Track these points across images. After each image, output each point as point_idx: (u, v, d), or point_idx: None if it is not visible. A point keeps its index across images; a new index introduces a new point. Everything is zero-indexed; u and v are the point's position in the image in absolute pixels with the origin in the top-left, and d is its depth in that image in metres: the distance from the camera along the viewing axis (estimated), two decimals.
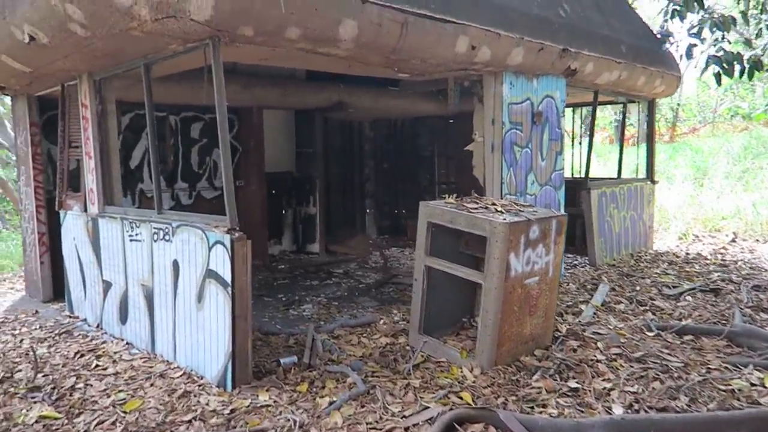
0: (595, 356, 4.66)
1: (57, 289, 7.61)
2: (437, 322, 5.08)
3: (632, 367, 4.46)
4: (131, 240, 5.57)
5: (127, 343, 5.74)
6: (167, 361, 5.16)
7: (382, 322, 5.86)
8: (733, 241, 10.22)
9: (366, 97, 10.42)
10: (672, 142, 26.22)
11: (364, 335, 5.50)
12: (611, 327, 5.36)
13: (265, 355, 5.27)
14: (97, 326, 6.32)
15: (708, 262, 8.56)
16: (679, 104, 28.28)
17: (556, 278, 4.82)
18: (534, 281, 4.56)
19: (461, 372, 4.42)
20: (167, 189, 9.40)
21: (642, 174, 10.07)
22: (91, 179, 6.17)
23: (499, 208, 4.52)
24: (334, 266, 9.73)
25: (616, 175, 9.64)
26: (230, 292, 4.35)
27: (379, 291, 7.90)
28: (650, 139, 9.98)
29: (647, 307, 6.10)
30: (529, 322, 4.63)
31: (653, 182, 9.99)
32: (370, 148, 12.76)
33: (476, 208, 4.52)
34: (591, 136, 8.76)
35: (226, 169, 4.48)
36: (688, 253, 9.30)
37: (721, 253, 9.22)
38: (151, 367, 5.07)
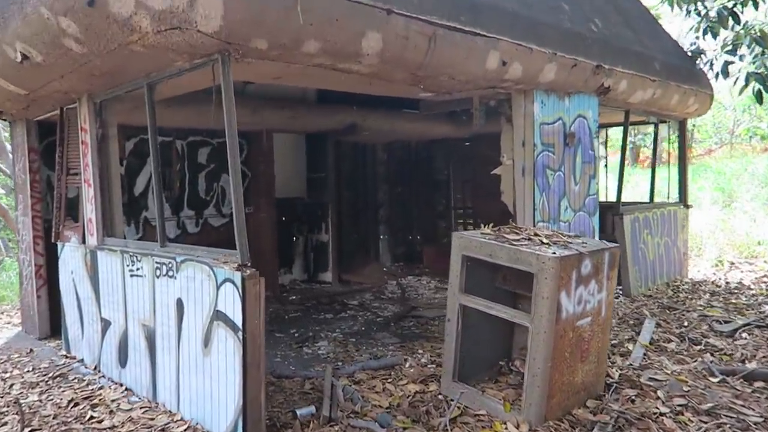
0: (658, 408, 4.07)
1: (54, 325, 7.10)
2: (472, 366, 4.52)
3: (703, 422, 3.87)
4: (132, 275, 5.07)
5: (126, 389, 5.20)
6: (170, 411, 4.62)
7: (408, 364, 5.30)
8: None
9: (381, 120, 9.98)
10: (689, 163, 25.68)
11: (389, 380, 4.93)
12: (669, 371, 4.77)
13: (278, 404, 4.71)
14: (95, 368, 5.79)
15: (753, 292, 7.95)
16: (694, 125, 27.79)
17: (609, 318, 4.26)
18: (586, 323, 4.01)
19: (506, 428, 3.85)
20: (173, 217, 8.94)
21: (674, 198, 9.51)
22: (90, 208, 5.70)
23: (545, 240, 3.99)
24: (348, 297, 9.18)
25: (647, 200, 9.09)
26: (241, 338, 3.82)
27: (398, 325, 7.34)
28: (683, 161, 9.46)
29: (702, 346, 5.51)
30: (581, 369, 4.07)
31: (686, 206, 9.44)
32: (384, 171, 12.30)
33: (518, 240, 3.99)
34: (623, 158, 8.25)
35: (236, 197, 4.00)
36: (728, 282, 8.69)
37: (765, 282, 8.61)
38: (152, 419, 4.52)
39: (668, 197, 9.66)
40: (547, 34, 5.74)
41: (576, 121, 6.64)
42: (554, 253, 3.72)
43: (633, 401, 4.20)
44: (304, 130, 10.08)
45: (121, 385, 5.29)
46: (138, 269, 4.97)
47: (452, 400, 4.28)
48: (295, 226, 10.64)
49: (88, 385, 5.37)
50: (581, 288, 3.90)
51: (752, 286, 8.36)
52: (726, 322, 6.31)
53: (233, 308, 3.90)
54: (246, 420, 3.85)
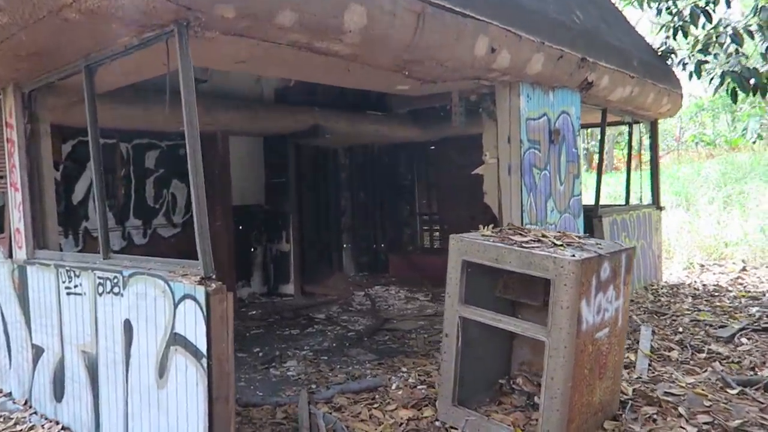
0: (683, 428, 3.63)
1: None
2: (471, 387, 3.98)
3: None
4: (69, 293, 4.30)
5: (62, 429, 4.40)
6: None
7: (394, 386, 4.70)
8: (744, 269, 9.52)
9: (344, 122, 9.41)
10: (637, 169, 26.18)
11: (375, 405, 4.33)
12: (683, 384, 4.36)
13: None
14: (25, 403, 4.95)
15: (733, 294, 7.75)
16: (641, 132, 28.44)
17: (625, 329, 3.81)
18: (604, 334, 3.53)
19: None
20: (117, 227, 8.08)
21: (647, 200, 9.30)
22: (17, 217, 4.89)
23: (557, 242, 3.50)
24: (313, 310, 8.52)
25: (623, 202, 8.83)
26: (205, 365, 3.15)
27: (372, 340, 6.74)
28: (655, 162, 9.27)
29: (705, 354, 5.15)
30: (599, 387, 3.59)
31: (659, 208, 9.24)
32: (346, 177, 11.71)
33: (527, 242, 3.49)
34: (601, 159, 7.96)
35: (197, 200, 3.35)
36: (704, 285, 8.50)
37: (741, 284, 8.45)
38: None
39: (640, 200, 9.45)
40: (536, 22, 5.32)
41: (560, 118, 6.24)
42: (573, 255, 3.23)
43: (654, 420, 3.75)
44: (263, 132, 9.39)
45: (57, 423, 4.49)
46: (76, 286, 4.21)
47: (453, 428, 3.72)
48: (253, 235, 9.90)
49: (15, 424, 4.54)
50: (600, 295, 3.42)
51: (730, 288, 8.17)
52: (721, 326, 6.01)
53: (195, 330, 3.23)
54: None
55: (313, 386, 5.13)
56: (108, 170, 7.93)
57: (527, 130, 5.70)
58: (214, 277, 3.30)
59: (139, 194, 8.33)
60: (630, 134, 8.76)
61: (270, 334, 7.24)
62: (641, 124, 9.11)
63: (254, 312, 8.59)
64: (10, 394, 5.20)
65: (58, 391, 4.50)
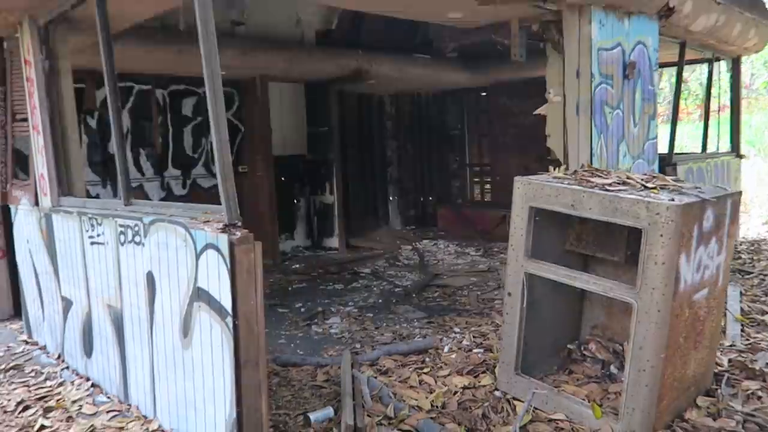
0: None
1: (17, 304, 6.02)
2: (537, 353, 3.47)
3: None
4: (92, 243, 3.97)
5: (92, 385, 4.15)
6: (144, 417, 3.57)
7: (446, 348, 4.23)
8: None
9: (389, 65, 8.77)
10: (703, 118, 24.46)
11: (425, 370, 3.88)
12: None
13: (285, 402, 3.68)
14: (58, 357, 4.74)
15: None
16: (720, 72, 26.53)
17: (725, 290, 3.20)
18: (703, 296, 2.93)
19: None
20: (156, 177, 7.80)
21: (725, 147, 8.37)
22: (41, 161, 4.56)
23: (648, 184, 2.89)
24: (358, 264, 8.12)
25: (700, 150, 7.96)
26: (231, 325, 2.74)
27: (421, 296, 6.29)
28: (736, 105, 8.30)
29: None
30: (694, 358, 3.02)
31: (740, 156, 8.31)
32: (392, 126, 11.11)
33: (610, 184, 2.88)
34: (677, 100, 7.08)
35: (219, 136, 2.87)
36: None
37: None
38: (122, 428, 3.47)
39: (717, 148, 8.50)
40: None
41: (636, 49, 5.45)
42: (672, 200, 2.61)
43: (759, 397, 3.17)
44: (304, 77, 8.86)
45: (88, 379, 4.25)
46: (99, 235, 3.86)
47: (516, 399, 3.23)
48: (296, 187, 9.51)
49: (46, 380, 4.32)
50: (701, 249, 2.81)
51: None
52: None
53: (219, 285, 2.80)
54: None
55: (357, 346, 4.73)
56: (144, 117, 7.62)
57: (599, 62, 4.96)
58: (240, 224, 2.85)
59: (177, 143, 8.01)
60: (710, 72, 7.79)
61: (313, 288, 6.89)
62: (722, 61, 8.11)
63: (297, 266, 8.27)
64: (44, 347, 5.02)
65: (88, 346, 4.24)
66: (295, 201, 9.53)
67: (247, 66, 7.48)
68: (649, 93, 5.72)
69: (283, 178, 9.29)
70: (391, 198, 11.06)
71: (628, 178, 3.03)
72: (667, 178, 3.09)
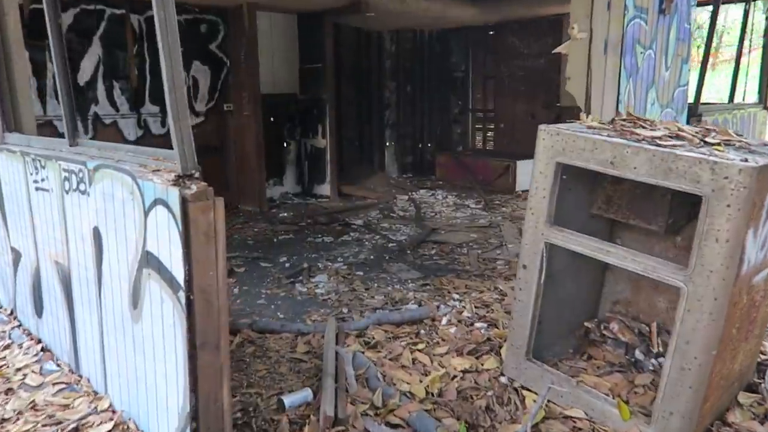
0: None
1: None
2: (551, 333, 2.98)
3: None
4: (37, 188, 3.39)
5: (42, 350, 3.67)
6: (95, 393, 3.10)
7: (445, 320, 3.74)
8: None
9: None
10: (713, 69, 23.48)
11: (420, 346, 3.40)
12: None
13: (258, 378, 3.22)
14: (11, 313, 4.24)
15: None
16: (724, 26, 25.41)
17: None
18: (762, 278, 2.41)
19: None
20: (131, 113, 7.12)
21: (752, 98, 7.73)
22: None
23: (711, 139, 2.31)
24: (350, 215, 7.59)
25: (727, 100, 7.32)
26: (184, 300, 2.21)
27: (416, 253, 5.79)
28: (766, 54, 7.60)
29: None
30: (742, 351, 2.52)
31: (767, 108, 7.68)
32: (391, 66, 10.34)
33: (660, 138, 2.31)
34: (708, 46, 6.38)
35: (171, 67, 2.26)
36: None
37: None
38: (67, 405, 3.00)
39: (743, 98, 7.86)
40: None
41: None
42: (745, 160, 2.05)
43: None
44: (296, 6, 8.06)
45: (39, 342, 3.76)
46: (43, 180, 3.28)
47: (525, 387, 2.76)
48: (286, 128, 8.85)
49: None
50: None
51: None
52: None
53: (169, 251, 2.26)
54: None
55: (344, 311, 4.25)
56: (117, 46, 6.88)
57: None
58: (197, 176, 2.28)
59: (156, 77, 7.28)
60: (746, 12, 7.05)
61: (300, 241, 6.37)
62: (759, 1, 7.36)
63: (285, 214, 7.72)
64: None
65: (38, 305, 3.73)
66: (285, 144, 8.89)
67: None
68: (685, 32, 5.05)
69: (272, 119, 8.62)
70: (387, 143, 10.43)
71: (680, 130, 2.45)
72: (729, 131, 2.52)
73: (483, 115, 10.92)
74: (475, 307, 3.91)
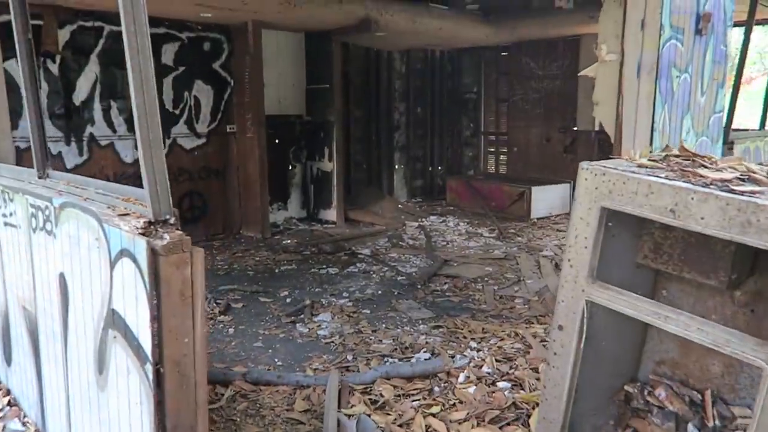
0: None
1: None
2: (588, 400, 2.54)
3: None
4: (5, 223, 3.02)
5: (10, 403, 3.27)
6: None
7: (462, 376, 3.31)
8: None
9: (402, 15, 7.68)
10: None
11: (434, 409, 2.97)
12: None
13: None
14: None
15: None
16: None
17: None
18: None
19: None
20: (129, 135, 6.79)
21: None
22: None
23: None
24: (357, 243, 7.19)
25: (757, 126, 6.91)
26: (151, 375, 1.81)
27: (428, 288, 5.37)
28: None
29: None
30: None
31: None
32: (401, 86, 10.02)
33: (731, 181, 1.91)
34: (741, 67, 6.00)
35: (138, 92, 1.88)
36: None
37: None
38: None
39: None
40: None
41: None
42: None
43: None
44: (303, 25, 7.76)
45: (8, 393, 3.36)
46: (11, 214, 2.92)
47: None
48: (291, 150, 8.52)
49: None
50: None
51: None
52: None
53: (136, 312, 1.86)
54: None
55: (349, 357, 3.83)
56: (115, 64, 6.57)
57: (671, 10, 3.90)
58: (172, 221, 1.89)
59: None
60: None
61: (303, 272, 5.97)
62: None
63: (288, 241, 7.34)
64: None
65: (8, 351, 3.35)
66: (290, 167, 8.55)
67: (236, 7, 6.40)
68: (721, 54, 4.67)
69: (277, 141, 8.30)
70: (396, 166, 10.07)
71: (750, 171, 2.06)
72: None
73: (495, 138, 10.55)
74: (496, 360, 3.48)
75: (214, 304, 4.88)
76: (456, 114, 10.75)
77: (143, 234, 1.81)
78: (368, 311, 4.78)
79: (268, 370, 3.70)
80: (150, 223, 1.85)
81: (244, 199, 7.69)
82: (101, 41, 6.47)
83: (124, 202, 2.06)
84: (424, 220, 8.55)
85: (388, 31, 7.87)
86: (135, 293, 1.85)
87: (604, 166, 2.14)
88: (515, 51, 9.74)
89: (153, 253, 1.77)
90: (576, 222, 2.21)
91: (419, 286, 5.42)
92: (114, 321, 2.01)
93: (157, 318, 1.78)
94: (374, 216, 8.55)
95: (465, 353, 3.69)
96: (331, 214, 8.44)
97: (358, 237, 7.51)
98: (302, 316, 4.68)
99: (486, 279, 5.60)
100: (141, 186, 1.92)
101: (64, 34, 6.21)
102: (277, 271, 6.05)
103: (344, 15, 7.21)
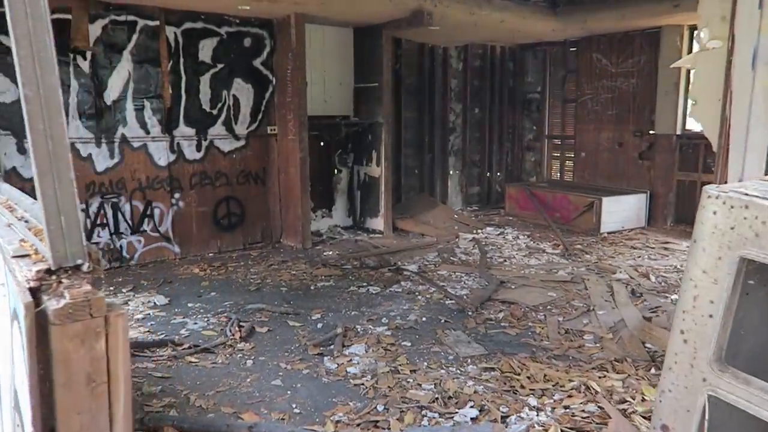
0: None
1: None
2: None
3: None
4: None
5: None
6: None
7: None
8: None
9: (459, 6, 6.95)
10: None
11: None
12: None
13: None
14: None
15: None
16: None
17: None
18: None
19: None
20: (163, 136, 6.39)
21: None
22: None
23: None
24: (404, 256, 6.53)
25: None
26: None
27: (479, 315, 4.64)
28: None
29: None
30: None
31: None
32: (458, 85, 9.29)
33: None
34: None
35: (31, 84, 1.25)
36: None
37: None
38: None
39: None
40: None
41: None
42: None
43: None
44: (350, 18, 7.17)
45: None
46: None
47: None
48: (337, 154, 7.95)
49: None
50: None
51: None
52: None
53: (27, 401, 1.25)
54: None
55: (379, 407, 3.17)
56: (150, 61, 6.18)
57: None
58: (85, 268, 1.28)
59: (192, 95, 6.54)
60: None
61: (341, 290, 5.36)
62: None
63: (329, 253, 6.75)
64: None
65: None
66: (336, 171, 7.98)
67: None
68: None
69: (321, 143, 7.75)
70: (451, 172, 9.34)
71: None
72: None
73: (561, 142, 9.64)
74: (562, 430, 2.72)
75: (237, 328, 4.33)
76: (517, 116, 9.92)
77: (35, 289, 1.21)
78: (409, 343, 4.11)
79: (282, 420, 3.10)
80: (49, 271, 1.25)
81: (284, 206, 7.17)
82: (134, 37, 6.08)
83: (35, 236, 1.47)
84: (479, 231, 7.79)
85: (443, 25, 7.19)
86: (24, 373, 1.25)
87: (745, 194, 1.38)
88: (585, 46, 8.82)
89: (39, 321, 1.16)
90: (696, 277, 1.46)
91: (470, 313, 4.69)
92: (16, 402, 1.43)
93: (45, 417, 1.17)
94: (425, 226, 7.86)
95: (522, 413, 2.95)
96: (378, 223, 7.81)
97: (405, 250, 6.84)
98: (332, 346, 4.06)
99: (549, 307, 4.82)
100: None
101: (95, 30, 5.85)
102: (312, 288, 5.47)
103: (394, 6, 6.58)
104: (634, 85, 8.30)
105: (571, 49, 9.11)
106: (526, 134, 10.03)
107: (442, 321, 4.55)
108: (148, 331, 4.40)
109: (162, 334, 4.35)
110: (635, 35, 8.13)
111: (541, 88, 9.74)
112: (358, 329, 4.38)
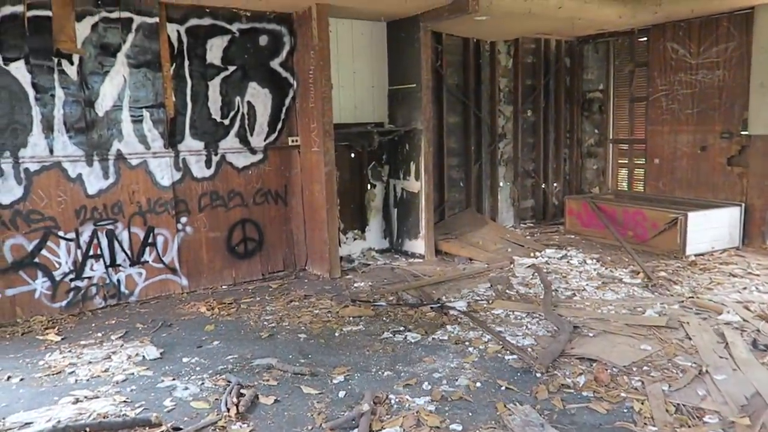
0: None
1: None
2: None
3: None
4: None
5: None
6: None
7: None
8: None
9: None
10: None
11: None
12: None
13: None
14: None
15: None
16: None
17: None
18: None
19: None
20: (167, 151, 5.50)
21: None
22: None
23: None
24: (449, 288, 5.44)
25: None
26: None
27: (552, 380, 3.50)
28: None
29: None
30: None
31: None
32: (508, 85, 8.15)
33: None
34: None
35: None
36: None
37: None
38: None
39: None
40: None
41: None
42: None
43: None
44: (383, 9, 6.16)
45: None
46: None
47: None
48: (369, 167, 6.94)
49: None
50: None
51: None
52: None
53: None
54: None
55: None
56: (148, 65, 5.30)
57: None
58: None
59: (199, 104, 5.64)
60: None
61: (372, 338, 4.31)
62: None
63: (361, 284, 5.72)
64: None
65: None
66: (369, 187, 6.96)
67: None
68: None
69: (352, 155, 6.76)
70: (501, 184, 8.19)
71: None
72: None
73: (628, 147, 8.37)
74: None
75: (235, 399, 3.31)
76: (576, 118, 8.71)
77: None
78: (458, 426, 3.01)
79: None
80: None
81: (309, 228, 6.19)
82: (130, 36, 5.22)
83: None
84: (537, 253, 6.61)
85: (491, 14, 6.11)
86: None
87: None
88: (658, 35, 7.56)
89: None
90: None
91: (539, 375, 3.56)
92: None
93: None
94: (472, 248, 6.74)
95: None
96: (418, 245, 6.74)
97: (450, 280, 5.74)
98: (356, 431, 3.00)
99: (645, 367, 3.63)
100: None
101: (83, 29, 5.01)
102: (337, 334, 4.43)
103: None
104: (719, 78, 6.99)
105: (641, 39, 7.87)
106: (586, 139, 8.80)
107: (503, 388, 3.44)
108: (125, 401, 3.44)
109: (140, 406, 3.38)
110: (721, 18, 6.85)
111: (604, 85, 8.51)
112: (392, 400, 3.31)
